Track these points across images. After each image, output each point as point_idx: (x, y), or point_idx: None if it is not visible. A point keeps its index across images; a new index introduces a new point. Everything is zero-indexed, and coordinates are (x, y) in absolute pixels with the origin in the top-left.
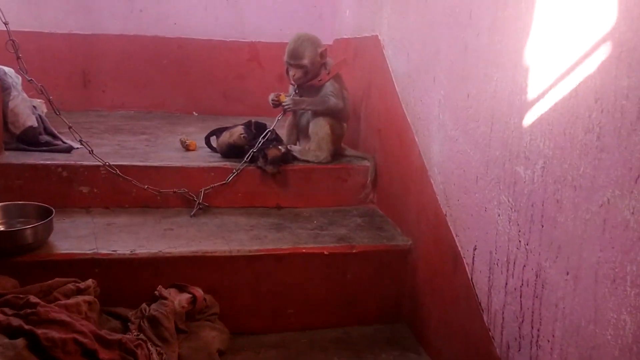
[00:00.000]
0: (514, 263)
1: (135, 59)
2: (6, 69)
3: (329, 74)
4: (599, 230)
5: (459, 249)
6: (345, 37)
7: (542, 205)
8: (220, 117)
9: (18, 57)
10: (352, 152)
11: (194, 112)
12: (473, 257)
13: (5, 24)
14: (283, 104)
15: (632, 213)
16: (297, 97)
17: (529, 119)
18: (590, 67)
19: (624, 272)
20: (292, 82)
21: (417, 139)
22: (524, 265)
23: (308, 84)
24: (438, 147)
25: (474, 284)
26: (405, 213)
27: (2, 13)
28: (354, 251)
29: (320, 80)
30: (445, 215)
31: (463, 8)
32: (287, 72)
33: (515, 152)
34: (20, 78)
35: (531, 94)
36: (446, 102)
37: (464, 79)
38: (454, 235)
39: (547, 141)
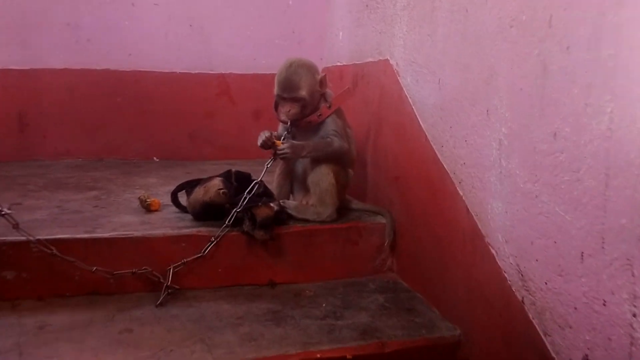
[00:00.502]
0: None
1: (83, 98)
2: None
3: (329, 107)
4: None
5: (553, 355)
6: (339, 64)
7: None
8: (187, 162)
9: None
10: (360, 206)
11: (155, 158)
12: None
13: None
14: (278, 150)
15: None
16: (296, 142)
17: None
18: None
19: None
20: (286, 119)
21: (461, 192)
22: None
23: (305, 120)
24: (502, 205)
25: None
26: (446, 290)
27: None
28: (386, 351)
29: (320, 115)
30: (523, 302)
31: (535, 14)
32: (277, 108)
33: None
34: None
35: None
36: (512, 143)
37: (544, 112)
38: (542, 335)
39: None
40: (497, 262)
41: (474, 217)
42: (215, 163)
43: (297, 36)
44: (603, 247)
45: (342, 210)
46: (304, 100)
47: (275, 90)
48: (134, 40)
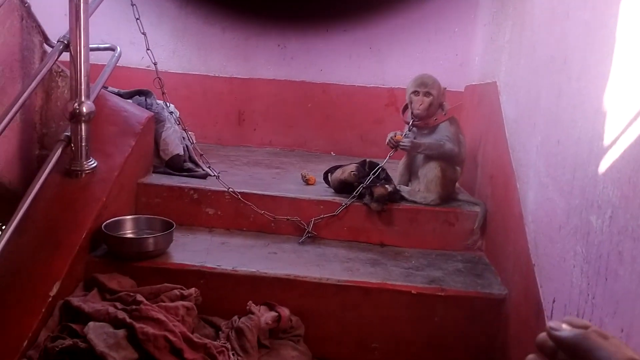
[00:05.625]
0: (582, 317)
1: (284, 102)
2: (167, 104)
3: (445, 114)
4: None
5: (542, 300)
6: (473, 83)
7: (608, 256)
8: (356, 158)
9: (163, 93)
10: (465, 197)
11: (332, 153)
12: (552, 310)
13: (154, 64)
14: (400, 143)
15: None
16: (415, 140)
17: (603, 166)
18: None
19: None
20: (416, 111)
21: (518, 186)
22: (590, 320)
23: (423, 123)
24: (533, 194)
25: None
26: (504, 262)
27: (152, 54)
28: (442, 294)
29: (435, 119)
30: (534, 265)
31: (560, 54)
32: (404, 110)
33: (590, 200)
34: (178, 112)
35: (607, 141)
36: (542, 148)
37: (556, 125)
38: (539, 287)
39: (616, 190)
40: (526, 237)
41: (521, 204)
42: (380, 161)
43: (460, 58)
44: (568, 221)
45: (449, 199)
46: (433, 97)
47: (410, 88)
48: (325, 59)
